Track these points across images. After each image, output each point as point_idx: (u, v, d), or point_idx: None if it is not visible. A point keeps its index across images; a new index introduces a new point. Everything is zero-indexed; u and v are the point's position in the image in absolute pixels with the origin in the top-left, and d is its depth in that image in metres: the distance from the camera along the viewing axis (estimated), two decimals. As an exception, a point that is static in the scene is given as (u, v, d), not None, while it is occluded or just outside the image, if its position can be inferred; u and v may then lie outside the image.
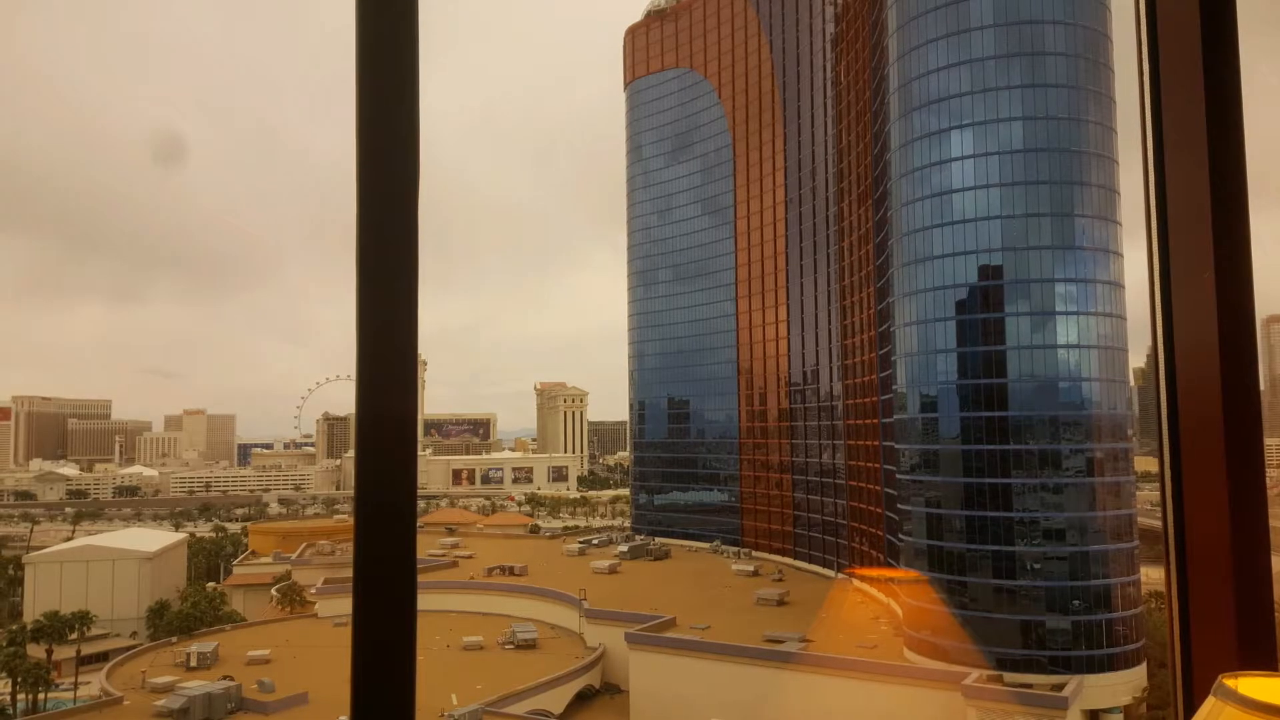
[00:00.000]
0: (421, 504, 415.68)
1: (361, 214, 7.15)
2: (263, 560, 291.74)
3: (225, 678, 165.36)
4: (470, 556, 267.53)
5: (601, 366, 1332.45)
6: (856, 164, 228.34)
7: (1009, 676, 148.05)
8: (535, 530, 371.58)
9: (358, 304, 7.06)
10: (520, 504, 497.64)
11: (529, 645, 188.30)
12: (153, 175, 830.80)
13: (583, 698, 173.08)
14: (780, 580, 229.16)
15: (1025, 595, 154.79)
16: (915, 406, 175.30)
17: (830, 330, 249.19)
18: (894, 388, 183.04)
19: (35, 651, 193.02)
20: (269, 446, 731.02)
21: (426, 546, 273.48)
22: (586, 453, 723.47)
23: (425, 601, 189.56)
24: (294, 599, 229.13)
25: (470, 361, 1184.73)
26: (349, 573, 7.05)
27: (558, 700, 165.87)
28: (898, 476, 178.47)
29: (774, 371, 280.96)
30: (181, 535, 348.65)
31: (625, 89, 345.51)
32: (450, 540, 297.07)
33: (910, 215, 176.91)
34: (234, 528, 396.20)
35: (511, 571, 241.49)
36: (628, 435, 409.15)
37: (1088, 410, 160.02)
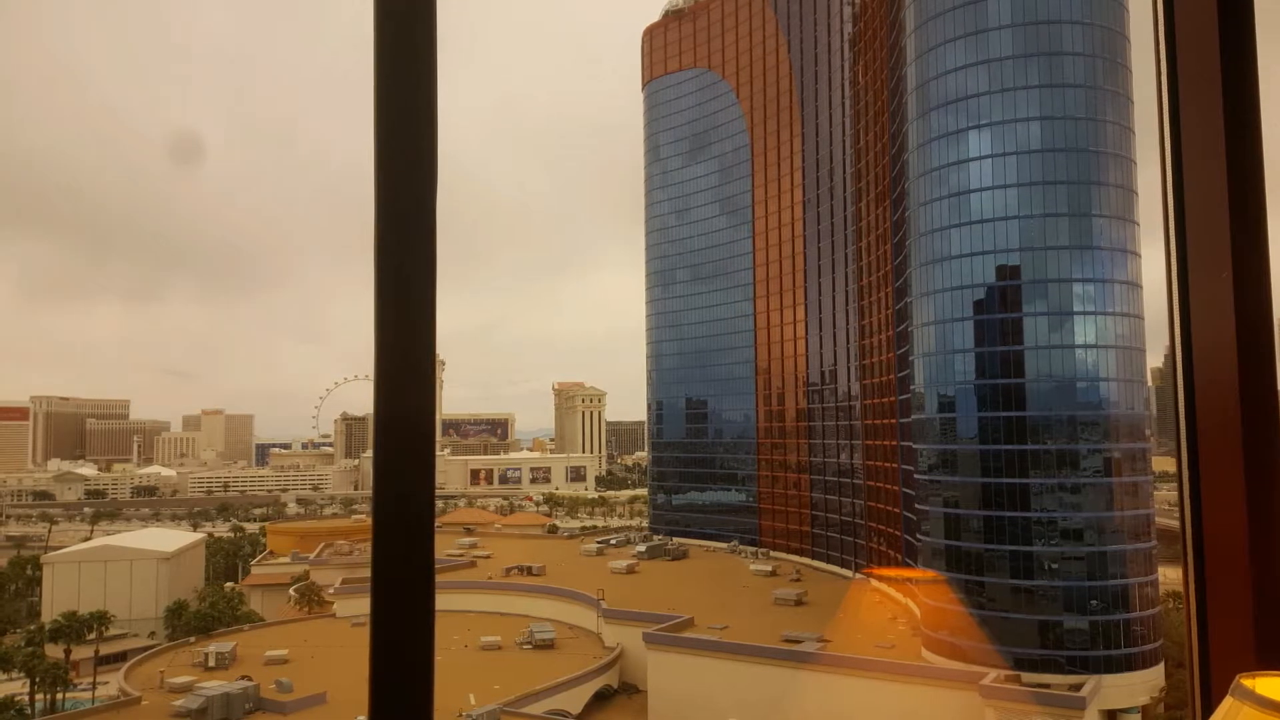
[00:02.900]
0: (440, 504, 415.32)
1: (380, 213, 7.15)
2: (281, 560, 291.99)
3: (243, 678, 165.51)
4: (488, 556, 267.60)
5: (619, 366, 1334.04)
6: (874, 164, 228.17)
7: (1027, 676, 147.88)
8: (553, 530, 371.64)
9: (376, 303, 7.06)
10: (538, 504, 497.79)
11: (547, 645, 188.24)
12: (172, 175, 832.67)
13: (601, 697, 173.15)
14: (798, 580, 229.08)
15: (1043, 595, 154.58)
16: (933, 406, 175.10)
17: (848, 330, 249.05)
18: (912, 388, 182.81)
19: (53, 651, 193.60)
20: (287, 446, 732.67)
21: (444, 546, 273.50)
22: (604, 453, 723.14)
23: (443, 601, 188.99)
24: (312, 599, 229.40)
25: (488, 361, 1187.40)
26: (367, 573, 7.08)
27: (576, 700, 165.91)
28: (916, 476, 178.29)
29: (792, 371, 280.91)
30: (199, 535, 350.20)
31: (643, 89, 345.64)
32: (468, 540, 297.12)
33: (928, 215, 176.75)
34: (252, 528, 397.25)
35: (529, 571, 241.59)
36: (646, 435, 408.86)
37: (1105, 410, 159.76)
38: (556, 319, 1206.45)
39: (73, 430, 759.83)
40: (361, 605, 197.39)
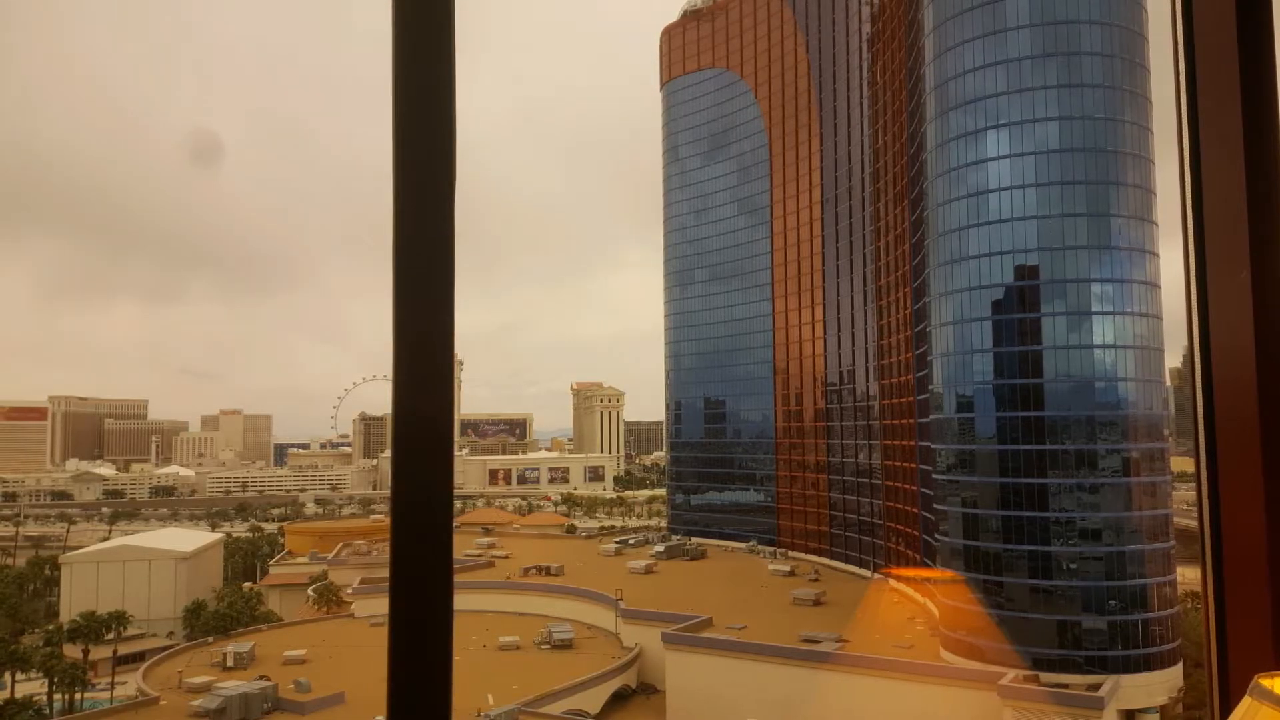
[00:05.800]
0: (458, 504, 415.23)
1: (398, 214, 7.16)
2: (299, 560, 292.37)
3: (262, 678, 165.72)
4: (506, 556, 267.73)
5: (638, 366, 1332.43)
6: (893, 164, 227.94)
7: (1045, 676, 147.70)
8: (571, 530, 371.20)
9: (394, 304, 7.07)
10: (556, 504, 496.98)
11: (565, 645, 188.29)
12: (192, 175, 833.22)
13: (619, 697, 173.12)
14: (816, 580, 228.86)
15: (1061, 595, 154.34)
16: (951, 406, 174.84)
17: (866, 330, 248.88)
18: (930, 387, 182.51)
19: (72, 651, 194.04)
20: (305, 446, 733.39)
21: (463, 546, 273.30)
22: (623, 453, 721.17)
23: (461, 601, 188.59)
24: (330, 599, 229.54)
25: (507, 361, 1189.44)
26: (385, 573, 7.07)
27: (594, 700, 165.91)
28: (934, 476, 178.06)
29: (810, 371, 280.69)
30: (218, 535, 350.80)
31: (662, 89, 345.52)
32: (486, 540, 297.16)
33: (946, 215, 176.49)
34: (270, 528, 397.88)
35: (548, 571, 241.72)
36: (664, 435, 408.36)
37: (1124, 410, 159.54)
38: (575, 319, 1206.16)
39: (91, 430, 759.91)
40: (380, 605, 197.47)
